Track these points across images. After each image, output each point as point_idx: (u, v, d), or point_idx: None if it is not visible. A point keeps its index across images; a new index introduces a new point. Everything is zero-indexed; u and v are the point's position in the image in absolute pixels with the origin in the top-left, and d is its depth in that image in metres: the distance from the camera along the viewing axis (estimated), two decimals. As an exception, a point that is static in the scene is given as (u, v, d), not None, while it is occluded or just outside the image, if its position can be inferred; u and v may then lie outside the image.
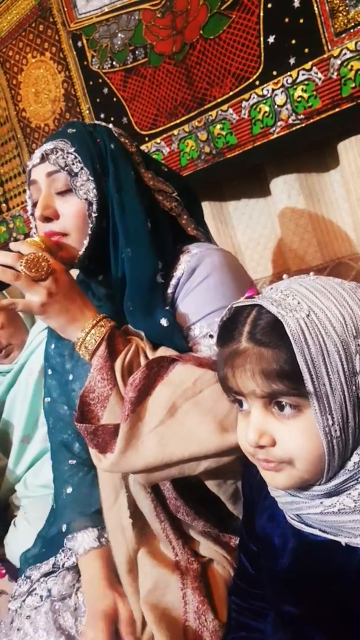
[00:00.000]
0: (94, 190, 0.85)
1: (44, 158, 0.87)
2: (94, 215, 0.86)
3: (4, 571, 1.29)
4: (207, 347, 0.82)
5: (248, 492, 0.72)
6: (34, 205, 0.92)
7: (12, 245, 0.81)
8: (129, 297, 0.86)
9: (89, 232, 0.86)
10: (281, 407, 0.54)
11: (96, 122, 0.94)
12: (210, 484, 0.79)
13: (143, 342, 0.83)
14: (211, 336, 0.81)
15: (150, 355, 0.80)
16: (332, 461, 0.54)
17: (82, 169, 0.85)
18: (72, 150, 0.85)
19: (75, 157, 0.85)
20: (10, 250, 0.82)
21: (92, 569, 0.88)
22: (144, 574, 0.83)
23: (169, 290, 0.86)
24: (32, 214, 0.94)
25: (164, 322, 0.83)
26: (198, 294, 0.85)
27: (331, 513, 0.56)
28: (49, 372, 1.04)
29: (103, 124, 0.93)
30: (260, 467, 0.59)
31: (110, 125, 0.93)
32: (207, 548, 0.85)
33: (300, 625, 0.62)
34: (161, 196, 0.92)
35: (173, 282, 0.86)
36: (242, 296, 0.84)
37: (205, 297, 0.84)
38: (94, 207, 0.85)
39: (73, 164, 0.85)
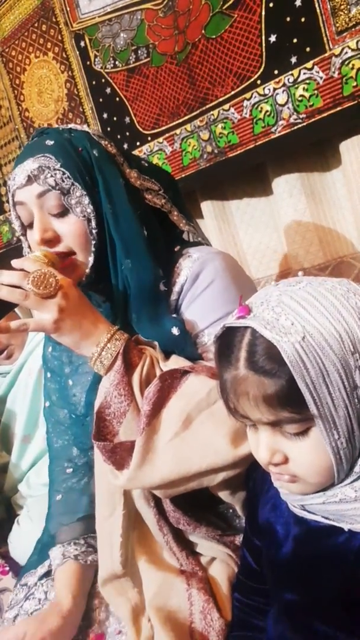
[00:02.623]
0: (90, 206, 0.82)
1: (30, 179, 0.81)
2: (94, 231, 0.83)
3: (7, 568, 1.30)
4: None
5: (252, 486, 0.73)
6: (23, 226, 0.88)
7: (15, 262, 0.78)
8: (133, 309, 0.84)
9: (92, 248, 0.84)
10: (288, 432, 0.55)
11: (70, 125, 0.90)
12: (225, 494, 0.79)
13: (156, 351, 0.81)
14: None
15: (163, 365, 0.79)
16: (341, 469, 0.55)
17: (73, 184, 0.81)
18: (58, 166, 0.81)
19: (64, 173, 0.81)
20: (13, 268, 0.78)
21: (59, 579, 0.90)
22: (148, 579, 0.83)
23: (173, 297, 0.85)
24: (23, 234, 0.90)
25: (175, 330, 0.81)
26: (203, 301, 0.83)
27: (333, 502, 0.57)
28: (48, 375, 1.03)
29: (78, 127, 0.89)
30: (274, 478, 0.61)
31: (85, 127, 0.90)
32: (210, 547, 0.85)
33: (299, 612, 0.62)
34: (150, 195, 0.90)
35: (176, 288, 0.85)
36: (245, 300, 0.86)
37: (210, 304, 0.83)
38: (93, 223, 0.83)
39: (63, 181, 0.81)
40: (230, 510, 0.88)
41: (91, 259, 0.85)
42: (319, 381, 0.51)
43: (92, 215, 0.83)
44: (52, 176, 0.81)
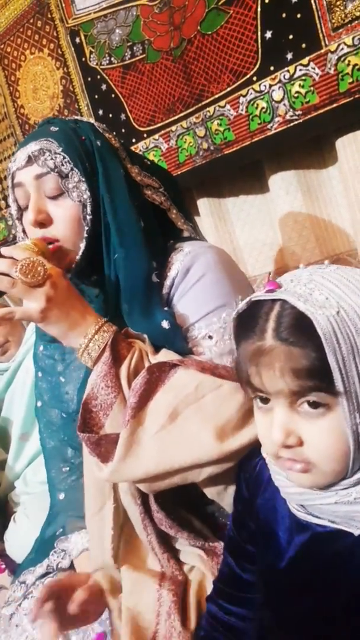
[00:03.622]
0: (87, 192, 0.82)
1: (30, 160, 0.82)
2: (88, 217, 0.83)
3: (3, 566, 1.30)
4: (207, 348, 0.80)
5: (244, 486, 0.70)
6: (19, 209, 0.88)
7: (4, 250, 0.76)
8: (125, 299, 0.84)
9: (85, 234, 0.84)
10: (312, 405, 0.53)
11: (76, 117, 0.91)
12: (210, 492, 0.78)
13: (145, 344, 0.80)
14: (210, 337, 0.80)
15: (153, 359, 0.78)
16: (357, 457, 0.53)
17: (72, 169, 0.81)
18: (59, 150, 0.81)
19: (64, 158, 0.81)
20: (1, 257, 0.78)
21: (85, 566, 0.88)
22: (125, 577, 0.82)
23: (164, 291, 0.85)
24: (18, 218, 0.90)
25: (165, 324, 0.81)
26: (194, 295, 0.83)
27: (345, 503, 0.55)
28: (39, 374, 1.02)
29: (84, 119, 0.90)
30: (283, 468, 0.57)
31: (92, 120, 0.90)
32: (191, 553, 0.84)
33: (303, 621, 0.60)
34: (149, 191, 0.90)
35: (168, 282, 0.84)
36: (237, 294, 0.84)
37: (201, 298, 0.82)
38: (88, 209, 0.83)
39: (62, 164, 0.81)
40: (220, 510, 0.87)
41: (82, 246, 0.84)
42: (349, 358, 0.50)
43: (88, 201, 0.82)
44: (52, 159, 0.81)
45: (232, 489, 0.75)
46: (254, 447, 0.70)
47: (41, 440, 1.06)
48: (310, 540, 0.59)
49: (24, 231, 0.90)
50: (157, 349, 0.81)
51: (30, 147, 0.82)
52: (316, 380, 0.51)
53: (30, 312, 0.75)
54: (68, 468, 1.00)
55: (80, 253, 0.84)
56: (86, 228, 0.83)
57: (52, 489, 1.02)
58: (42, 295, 0.74)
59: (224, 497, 0.78)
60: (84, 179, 0.82)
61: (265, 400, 0.57)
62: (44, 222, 0.83)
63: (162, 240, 0.88)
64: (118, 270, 0.83)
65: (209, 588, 0.77)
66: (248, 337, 0.55)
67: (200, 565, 0.81)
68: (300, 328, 0.51)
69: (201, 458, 0.70)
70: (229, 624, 0.70)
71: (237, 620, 0.69)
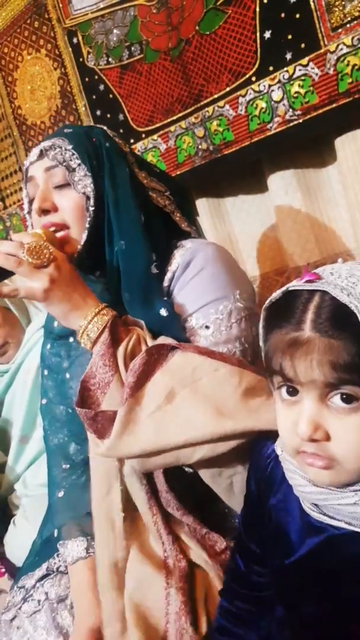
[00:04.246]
0: (92, 185, 0.87)
1: (42, 154, 0.89)
2: (91, 208, 0.88)
3: (3, 570, 1.29)
4: (203, 338, 0.83)
5: (255, 489, 0.70)
6: (31, 202, 0.93)
7: (14, 236, 0.83)
8: (125, 289, 0.88)
9: (87, 225, 0.88)
10: (345, 400, 0.51)
11: (92, 124, 0.98)
12: (206, 476, 0.79)
13: (143, 331, 0.83)
14: (207, 327, 0.83)
15: (150, 344, 0.81)
16: None
17: (79, 164, 0.87)
18: (69, 147, 0.88)
19: (73, 154, 0.88)
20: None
21: (81, 579, 0.87)
22: (129, 571, 0.82)
23: (165, 284, 0.88)
24: (29, 212, 0.96)
25: (163, 312, 0.84)
26: (193, 287, 0.86)
27: None
28: (45, 372, 1.04)
29: (99, 125, 0.97)
30: (303, 463, 0.56)
31: (104, 128, 0.96)
32: (194, 552, 0.84)
33: (316, 624, 0.59)
34: (155, 194, 0.94)
35: (168, 275, 0.88)
36: (236, 288, 0.86)
37: (200, 290, 0.85)
38: (92, 200, 0.87)
39: (71, 160, 0.88)
40: (226, 510, 0.87)
41: (84, 236, 0.89)
42: None
43: (92, 193, 0.88)
44: (61, 154, 0.88)
45: (226, 474, 0.77)
46: (262, 447, 0.70)
47: (45, 437, 1.05)
48: (324, 543, 0.58)
49: (32, 225, 0.95)
50: (155, 337, 0.83)
51: (43, 143, 0.90)
52: (354, 375, 0.50)
53: (33, 291, 0.79)
54: (69, 466, 1.00)
55: (82, 242, 0.89)
56: (88, 219, 0.88)
57: (52, 487, 1.01)
58: (46, 276, 0.78)
59: (220, 483, 0.79)
60: (89, 174, 0.87)
61: (293, 392, 0.55)
62: (48, 209, 0.89)
63: (164, 237, 0.91)
64: (119, 261, 0.88)
65: (213, 582, 0.79)
66: (282, 326, 0.54)
67: (207, 566, 0.81)
68: (340, 320, 0.50)
69: (196, 436, 0.72)
70: (241, 619, 0.70)
71: (248, 615, 0.70)
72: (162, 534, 0.83)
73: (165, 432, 0.73)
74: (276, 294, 0.56)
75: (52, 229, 0.88)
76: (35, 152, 0.91)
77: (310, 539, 0.59)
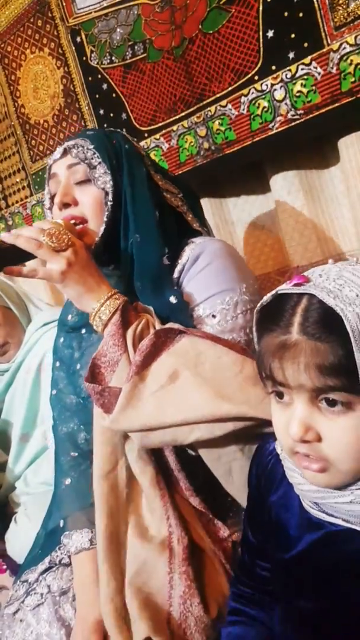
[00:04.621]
0: (111, 182, 0.93)
1: (65, 152, 0.95)
2: (109, 203, 0.93)
3: (5, 567, 1.29)
4: (210, 326, 0.87)
5: (255, 483, 0.71)
6: (52, 198, 0.99)
7: (36, 224, 0.87)
8: (137, 277, 0.93)
9: (105, 219, 0.93)
10: (330, 403, 0.52)
11: (111, 129, 1.04)
12: (206, 458, 0.82)
13: (152, 317, 0.87)
14: (214, 316, 0.87)
15: (158, 327, 0.85)
16: None
17: (100, 163, 0.93)
18: (91, 147, 0.94)
19: (94, 153, 0.94)
20: (10, 254, 0.91)
21: (84, 570, 0.88)
22: (132, 555, 0.83)
23: (175, 275, 0.93)
24: (49, 208, 1.01)
25: (172, 299, 0.89)
26: (201, 278, 0.91)
27: None
28: (57, 364, 1.08)
29: (118, 130, 1.04)
30: (299, 465, 0.57)
31: (124, 132, 1.03)
32: (197, 534, 0.85)
33: (314, 619, 0.60)
34: (169, 195, 1.00)
35: (178, 267, 0.93)
36: (242, 282, 0.89)
37: (207, 281, 0.90)
38: (110, 196, 0.93)
39: (92, 158, 0.94)
40: (229, 499, 0.89)
41: (102, 228, 0.94)
42: None
43: (111, 189, 0.93)
44: (83, 152, 0.94)
45: (225, 459, 0.80)
46: (264, 444, 0.70)
47: (54, 427, 1.07)
48: (322, 539, 0.59)
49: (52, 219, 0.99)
50: (164, 323, 0.87)
51: (67, 142, 0.96)
52: (341, 379, 0.50)
53: (51, 273, 0.84)
54: (77, 454, 1.01)
55: (99, 235, 0.94)
56: (106, 213, 0.93)
57: (58, 475, 1.02)
58: (64, 259, 0.83)
59: (218, 467, 0.81)
60: (109, 172, 0.93)
61: (283, 395, 0.56)
62: (69, 203, 0.94)
63: (176, 234, 0.97)
64: (133, 252, 0.93)
65: (216, 568, 0.80)
66: (272, 330, 0.54)
67: (207, 550, 0.83)
68: (328, 324, 0.50)
69: (193, 417, 0.76)
70: (252, 601, 0.71)
71: (259, 599, 0.70)
72: (168, 508, 0.85)
73: (166, 409, 0.77)
74: (267, 297, 0.57)
75: (72, 221, 0.93)
76: (59, 150, 0.96)
77: (309, 535, 0.60)
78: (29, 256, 0.86)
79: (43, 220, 0.92)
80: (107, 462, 0.87)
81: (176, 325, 0.85)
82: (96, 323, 0.86)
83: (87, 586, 0.86)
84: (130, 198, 0.93)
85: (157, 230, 0.92)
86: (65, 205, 0.94)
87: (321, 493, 0.57)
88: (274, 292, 0.56)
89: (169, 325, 0.85)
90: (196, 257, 0.92)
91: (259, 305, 0.58)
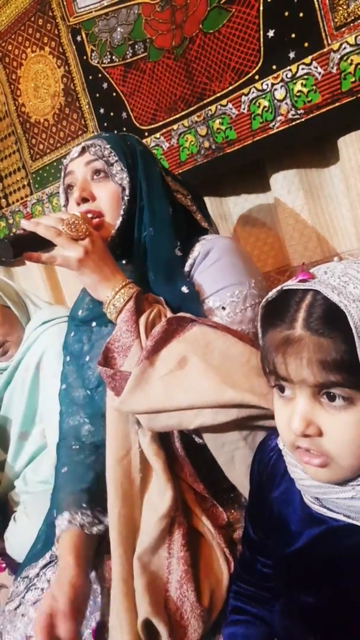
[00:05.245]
0: (127, 178, 0.96)
1: (83, 150, 0.99)
2: (126, 198, 0.96)
3: (4, 565, 1.30)
4: (219, 318, 0.89)
5: (257, 479, 0.71)
6: (66, 193, 1.02)
7: (53, 214, 0.91)
8: (151, 269, 0.96)
9: (122, 212, 0.96)
10: (331, 398, 0.52)
11: (125, 133, 1.08)
12: (210, 445, 0.84)
13: (164, 307, 0.90)
14: (223, 308, 0.90)
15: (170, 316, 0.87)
16: None
17: (117, 161, 0.97)
18: (108, 146, 0.97)
19: (111, 152, 0.97)
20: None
21: (63, 545, 0.89)
22: (143, 532, 0.84)
23: (186, 269, 0.95)
24: (65, 205, 1.04)
25: (184, 289, 0.91)
26: (212, 272, 0.93)
27: None
28: (67, 359, 1.11)
29: (131, 134, 1.08)
30: (300, 460, 0.57)
31: (137, 137, 1.07)
32: (198, 518, 0.87)
33: (315, 614, 0.60)
34: (179, 195, 1.03)
35: (189, 262, 0.96)
36: (250, 277, 0.91)
37: (218, 275, 0.92)
38: (127, 191, 0.96)
39: (109, 156, 0.97)
40: (232, 495, 0.91)
41: (118, 222, 0.96)
42: None
43: (127, 185, 0.96)
44: (101, 151, 0.97)
45: (228, 447, 0.82)
46: (267, 440, 0.70)
47: (60, 421, 1.09)
48: (323, 534, 0.59)
49: None
50: (175, 312, 0.90)
51: (85, 142, 1.00)
52: (343, 374, 0.50)
53: (69, 260, 0.87)
54: (78, 447, 1.03)
55: (115, 228, 0.96)
56: (123, 207, 0.96)
57: (58, 466, 1.04)
58: (81, 247, 0.86)
59: (222, 454, 0.83)
60: (125, 169, 0.97)
61: (285, 389, 0.56)
62: (87, 198, 0.97)
63: (186, 230, 0.99)
64: (147, 245, 0.96)
65: (214, 564, 0.82)
66: (276, 325, 0.55)
67: (208, 536, 0.86)
68: (331, 320, 0.51)
69: (198, 402, 0.77)
70: (253, 599, 0.72)
71: (259, 596, 0.71)
72: (176, 491, 0.86)
73: (172, 393, 0.79)
74: (272, 292, 0.57)
75: (90, 215, 0.96)
76: (77, 149, 0.99)
77: (310, 531, 0.60)
78: (46, 245, 0.88)
79: (60, 212, 0.95)
80: (121, 447, 0.89)
81: (188, 315, 0.87)
82: (110, 310, 0.88)
83: (64, 556, 0.87)
84: (145, 194, 0.96)
85: (170, 225, 0.95)
86: (83, 200, 0.97)
87: (323, 488, 0.57)
88: (279, 287, 0.56)
89: (181, 314, 0.87)
90: (207, 252, 0.95)
91: (264, 300, 0.58)
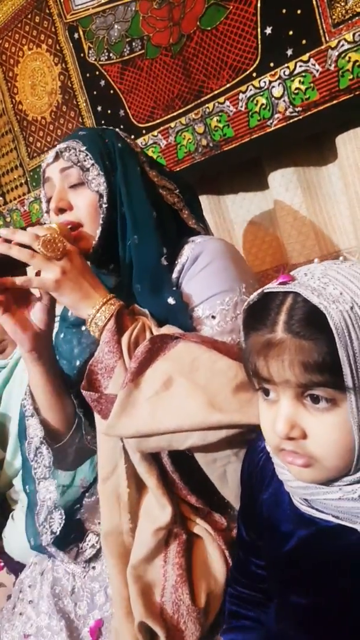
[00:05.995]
0: (104, 184, 0.91)
1: (57, 156, 0.94)
2: (104, 206, 0.92)
3: (2, 564, 1.30)
4: (209, 327, 0.86)
5: (247, 480, 0.71)
6: (48, 201, 0.98)
7: (30, 229, 0.86)
8: (136, 280, 0.92)
9: (101, 222, 0.92)
10: (315, 400, 0.52)
11: (104, 127, 1.02)
12: (201, 461, 0.82)
13: (149, 320, 0.87)
14: (213, 317, 0.86)
15: (155, 332, 0.84)
16: None
17: (93, 164, 0.91)
18: (83, 148, 0.92)
19: (87, 155, 0.92)
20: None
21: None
22: (139, 542, 0.84)
23: (174, 275, 0.92)
24: (47, 211, 1.00)
25: (171, 300, 0.88)
26: (201, 278, 0.89)
27: (349, 499, 0.55)
28: (57, 358, 1.08)
29: (110, 127, 1.01)
30: (285, 461, 0.57)
31: (117, 129, 1.00)
32: (196, 525, 0.87)
33: (307, 615, 0.60)
34: (165, 192, 0.98)
35: (177, 267, 0.92)
36: (242, 282, 0.88)
37: (207, 281, 0.89)
38: (105, 198, 0.91)
39: (85, 160, 0.92)
40: (225, 501, 0.89)
41: (98, 232, 0.93)
42: None
43: (105, 192, 0.91)
44: (75, 155, 0.92)
45: (220, 462, 0.80)
46: (256, 442, 0.70)
47: None
48: (313, 535, 0.59)
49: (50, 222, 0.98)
50: (161, 326, 0.87)
51: (59, 145, 0.94)
52: (325, 375, 0.50)
53: (45, 282, 0.83)
54: None
55: (96, 238, 0.93)
56: (101, 216, 0.92)
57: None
58: (58, 267, 0.82)
59: (213, 469, 0.81)
60: (102, 173, 0.91)
61: (269, 392, 0.56)
62: (64, 208, 0.93)
63: (175, 232, 0.95)
64: (132, 254, 0.92)
65: (212, 564, 0.81)
66: (258, 328, 0.55)
67: (207, 538, 0.84)
68: (312, 322, 0.51)
69: (187, 423, 0.75)
70: (249, 602, 0.71)
71: (256, 599, 0.71)
72: (175, 507, 0.85)
73: (159, 416, 0.76)
74: (253, 296, 0.57)
75: (69, 226, 0.92)
76: (51, 154, 0.95)
77: (301, 532, 0.60)
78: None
79: (37, 226, 0.89)
80: (108, 464, 0.87)
81: (173, 329, 0.84)
82: (92, 329, 0.85)
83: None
84: (126, 199, 0.92)
85: (155, 231, 0.91)
86: (60, 211, 0.93)
87: (310, 489, 0.57)
88: (260, 291, 0.56)
89: (165, 329, 0.85)
90: (196, 256, 0.91)
91: (245, 304, 0.58)
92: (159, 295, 0.89)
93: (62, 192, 0.94)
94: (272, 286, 0.55)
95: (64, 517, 0.94)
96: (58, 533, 0.93)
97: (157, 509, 0.84)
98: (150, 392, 0.78)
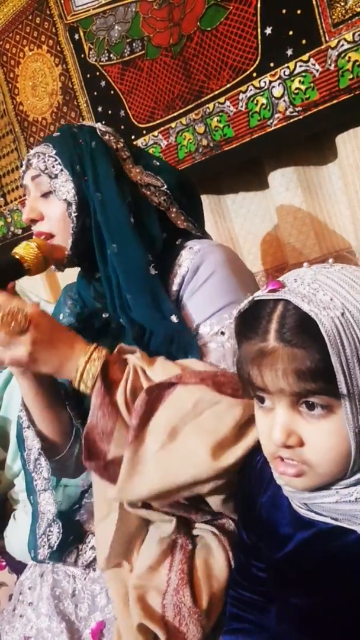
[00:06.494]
0: (73, 190, 0.88)
1: (28, 165, 0.92)
2: (73, 214, 0.88)
3: (4, 563, 1.30)
4: (218, 344, 0.82)
5: (246, 484, 0.71)
6: None
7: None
8: (126, 290, 0.87)
9: (71, 231, 0.89)
10: (310, 407, 0.52)
11: (84, 123, 0.98)
12: (215, 503, 0.78)
13: (139, 359, 0.81)
14: (222, 333, 0.82)
15: (149, 371, 0.80)
16: (358, 459, 0.53)
17: (61, 170, 0.88)
18: (52, 153, 0.89)
19: (55, 160, 0.89)
20: (10, 251, 0.86)
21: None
22: (144, 554, 0.83)
23: (174, 288, 0.87)
24: None
25: (174, 318, 0.83)
26: (204, 292, 0.85)
27: (347, 502, 0.55)
28: None
29: (90, 124, 0.97)
30: (277, 470, 0.57)
31: (98, 124, 0.95)
32: (201, 529, 0.85)
33: (307, 616, 0.60)
34: (149, 191, 0.92)
35: (177, 280, 0.87)
36: (246, 291, 0.82)
37: (212, 295, 0.85)
38: (73, 207, 0.88)
39: (53, 166, 0.89)
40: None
41: (70, 242, 0.90)
42: (354, 360, 0.49)
43: (73, 200, 0.88)
44: (44, 162, 0.89)
45: (228, 492, 0.76)
46: (254, 447, 0.70)
47: None
48: (313, 537, 0.59)
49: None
50: (151, 356, 0.82)
51: (30, 152, 0.92)
52: (319, 382, 0.50)
53: (18, 357, 0.77)
54: None
55: (69, 249, 0.90)
56: (72, 225, 0.89)
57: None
58: (27, 339, 0.77)
59: (227, 506, 0.78)
60: (71, 179, 0.88)
61: (264, 400, 0.56)
62: (35, 219, 0.91)
63: (160, 237, 0.90)
64: (115, 263, 0.87)
65: (214, 565, 0.79)
66: (250, 337, 0.54)
67: (212, 540, 0.82)
68: (303, 329, 0.50)
69: (200, 476, 0.71)
70: (250, 605, 0.71)
71: (257, 602, 0.70)
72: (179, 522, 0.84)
73: (170, 470, 0.72)
74: (243, 304, 0.56)
75: (42, 237, 0.90)
76: (25, 162, 0.93)
77: (300, 534, 0.60)
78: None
79: (17, 246, 0.86)
80: (101, 510, 0.86)
81: (167, 365, 0.80)
82: (83, 389, 0.80)
83: None
84: (98, 205, 0.86)
85: (135, 237, 0.85)
86: (32, 221, 0.91)
87: (307, 494, 0.57)
88: (250, 298, 0.56)
89: (159, 362, 0.80)
90: (196, 268, 0.86)
91: (236, 311, 0.58)
92: (158, 310, 0.84)
93: (33, 201, 0.91)
94: (262, 294, 0.54)
95: (61, 530, 0.92)
96: (55, 548, 0.91)
97: (163, 523, 0.83)
98: (156, 446, 0.73)
